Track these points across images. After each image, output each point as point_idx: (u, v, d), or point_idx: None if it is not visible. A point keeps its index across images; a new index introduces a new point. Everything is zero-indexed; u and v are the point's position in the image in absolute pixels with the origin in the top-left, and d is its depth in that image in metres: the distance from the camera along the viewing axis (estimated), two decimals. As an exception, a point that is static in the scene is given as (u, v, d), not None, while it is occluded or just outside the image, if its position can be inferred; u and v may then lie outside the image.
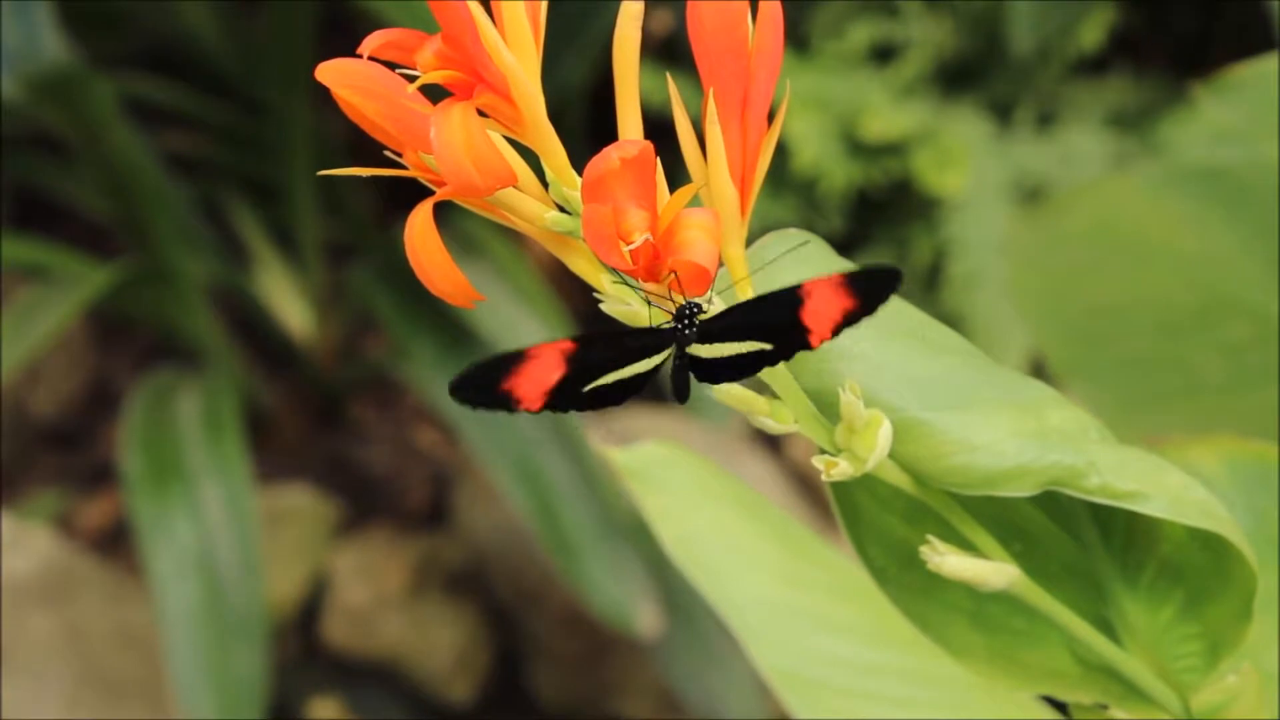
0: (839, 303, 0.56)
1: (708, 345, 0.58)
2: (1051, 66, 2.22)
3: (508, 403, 0.57)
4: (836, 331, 0.56)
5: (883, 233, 2.21)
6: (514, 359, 0.57)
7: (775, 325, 0.57)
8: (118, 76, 2.07)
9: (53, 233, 2.20)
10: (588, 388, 0.58)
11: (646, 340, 0.58)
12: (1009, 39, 2.14)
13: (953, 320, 2.05)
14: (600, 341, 0.58)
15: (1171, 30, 2.42)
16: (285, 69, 2.03)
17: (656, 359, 0.58)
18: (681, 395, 0.59)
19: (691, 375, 0.59)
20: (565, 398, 0.58)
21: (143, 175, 1.94)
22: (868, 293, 0.56)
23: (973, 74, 2.25)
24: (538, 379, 0.57)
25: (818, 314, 0.56)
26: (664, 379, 0.59)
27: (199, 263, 2.07)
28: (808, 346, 0.57)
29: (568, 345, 0.58)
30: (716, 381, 0.59)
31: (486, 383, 0.57)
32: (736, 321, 0.58)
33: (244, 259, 2.20)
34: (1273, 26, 1.48)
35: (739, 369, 0.58)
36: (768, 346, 0.57)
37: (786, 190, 2.16)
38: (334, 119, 2.10)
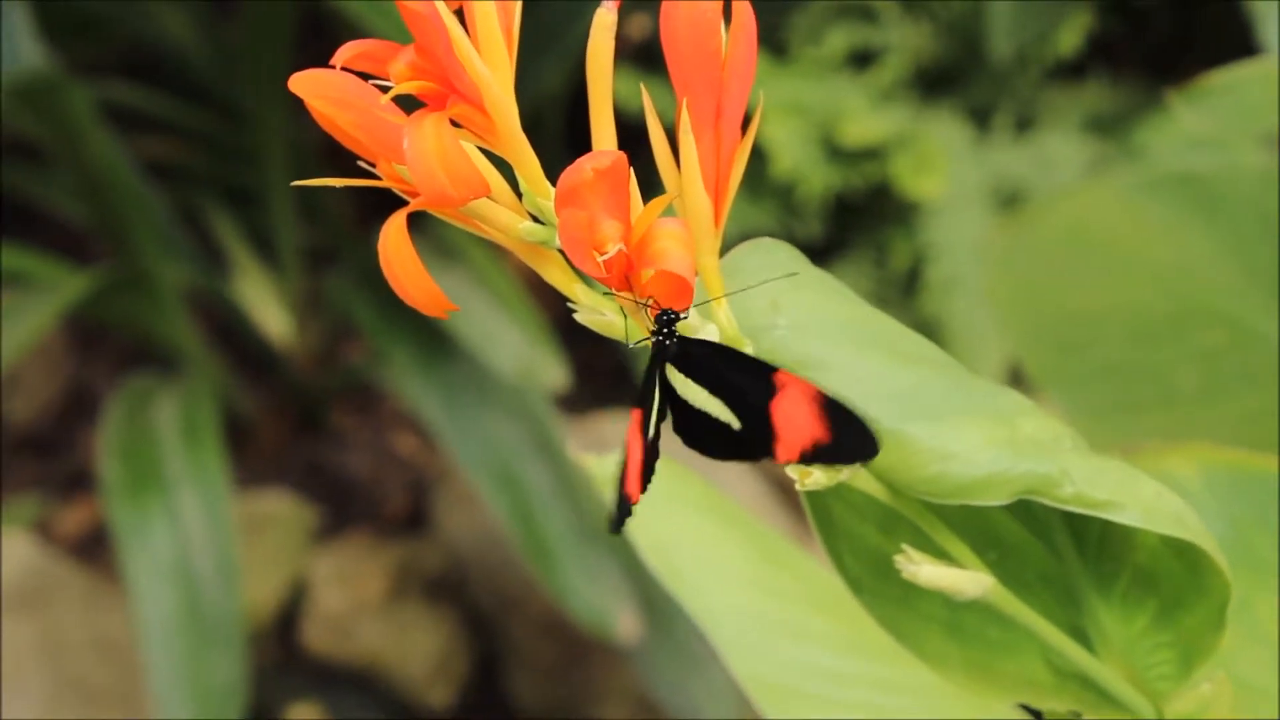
0: (812, 425, 0.57)
1: (683, 377, 0.58)
2: (1029, 71, 2.22)
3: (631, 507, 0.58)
4: (805, 459, 0.57)
5: (861, 238, 2.21)
6: (625, 463, 0.57)
7: (745, 396, 0.57)
8: (95, 83, 2.07)
9: (31, 239, 2.20)
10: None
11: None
12: (987, 44, 2.14)
13: (930, 325, 2.05)
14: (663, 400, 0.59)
15: (1148, 35, 2.42)
16: (263, 75, 2.02)
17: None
18: (644, 402, 0.59)
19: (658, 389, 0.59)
20: (650, 470, 0.59)
21: (120, 181, 1.94)
22: (843, 437, 0.57)
23: (951, 79, 2.26)
24: (635, 466, 0.58)
25: (789, 420, 0.57)
26: (636, 379, 0.60)
27: (177, 268, 2.07)
28: (773, 457, 0.57)
29: (638, 413, 0.58)
30: (690, 443, 0.59)
31: (627, 497, 0.58)
32: (715, 360, 0.58)
33: (222, 265, 2.20)
34: (1251, 30, 1.48)
35: (715, 447, 0.59)
36: (736, 422, 0.58)
37: (765, 195, 2.16)
38: (312, 124, 2.09)
